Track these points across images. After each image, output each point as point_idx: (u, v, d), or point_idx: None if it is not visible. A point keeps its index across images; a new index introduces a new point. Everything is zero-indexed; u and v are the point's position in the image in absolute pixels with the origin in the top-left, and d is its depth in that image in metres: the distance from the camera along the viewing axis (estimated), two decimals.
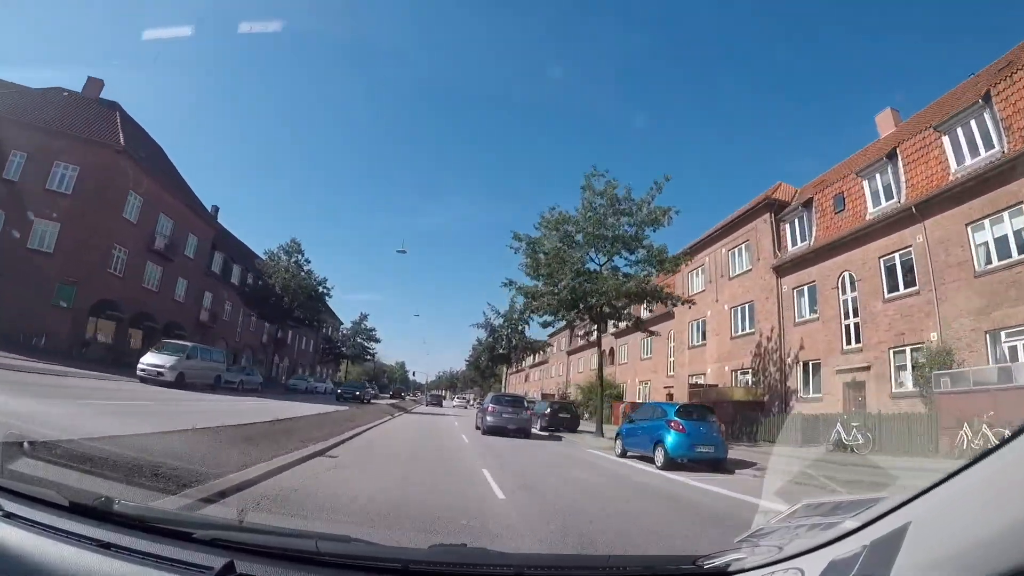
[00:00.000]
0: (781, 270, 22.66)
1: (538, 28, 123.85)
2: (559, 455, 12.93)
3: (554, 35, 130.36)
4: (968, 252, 15.93)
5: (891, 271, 18.45)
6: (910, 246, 17.80)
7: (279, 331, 39.97)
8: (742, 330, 24.37)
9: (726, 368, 24.63)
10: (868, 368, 18.64)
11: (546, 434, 20.30)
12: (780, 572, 1.22)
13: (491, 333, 40.52)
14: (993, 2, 61.95)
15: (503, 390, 52.54)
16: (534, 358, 52.19)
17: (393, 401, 37.79)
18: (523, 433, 17.45)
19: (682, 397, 27.77)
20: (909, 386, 17.26)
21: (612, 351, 40.43)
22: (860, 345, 19.09)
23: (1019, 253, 14.38)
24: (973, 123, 16.32)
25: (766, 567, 1.28)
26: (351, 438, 10.64)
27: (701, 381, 26.03)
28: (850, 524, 1.17)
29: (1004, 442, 0.87)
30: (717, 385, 24.30)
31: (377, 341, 53.93)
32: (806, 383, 20.99)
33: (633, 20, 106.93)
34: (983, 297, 15.10)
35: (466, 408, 48.71)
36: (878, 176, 19.75)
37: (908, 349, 17.53)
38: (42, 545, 1.25)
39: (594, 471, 10.20)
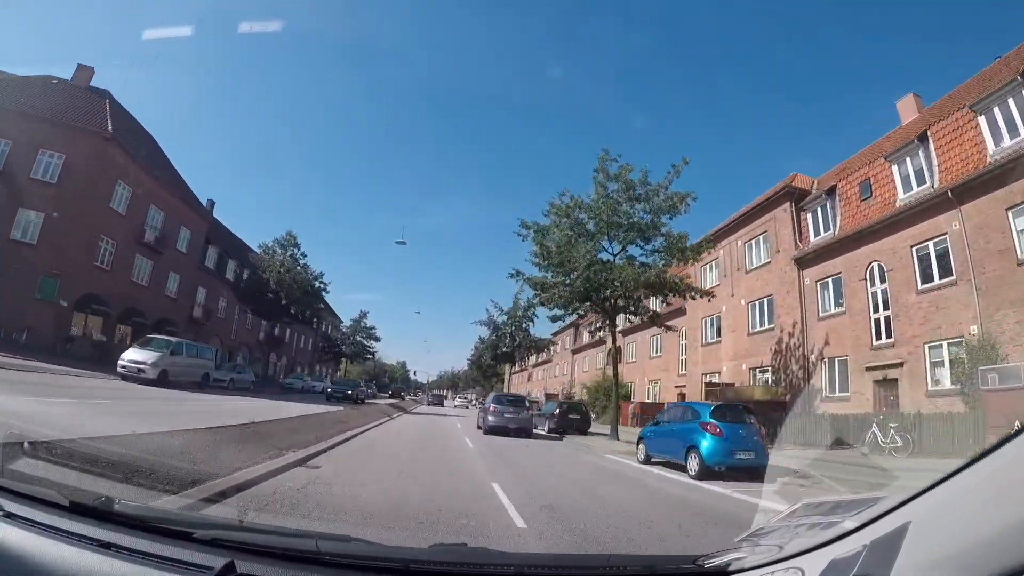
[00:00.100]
0: (803, 262, 21.41)
1: (538, 28, 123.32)
2: (576, 463, 11.60)
3: (554, 35, 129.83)
4: (1010, 239, 14.80)
5: (925, 260, 17.27)
6: (945, 233, 16.63)
7: (276, 328, 38.78)
8: (761, 326, 23.11)
9: (743, 366, 23.36)
10: (901, 365, 17.42)
11: (556, 437, 18.94)
12: (780, 571, 1.21)
13: (494, 331, 39.20)
14: (993, 2, 61.00)
15: (505, 390, 51.45)
16: (537, 357, 50.95)
17: (392, 401, 36.42)
18: (524, 433, 17.11)
19: (695, 397, 26.53)
20: (947, 383, 16.10)
21: (620, 349, 39.16)
22: (892, 340, 17.86)
23: None
24: (1011, 101, 15.18)
25: (766, 566, 1.26)
26: (338, 444, 9.34)
27: (716, 380, 24.80)
28: (850, 524, 1.16)
29: (1004, 442, 0.86)
30: (734, 384, 23.04)
31: (377, 340, 52.71)
32: (832, 381, 19.75)
33: (633, 20, 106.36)
34: None
35: (467, 408, 47.91)
36: (908, 160, 18.57)
37: (945, 344, 16.36)
38: (42, 545, 1.25)
39: (622, 484, 8.90)
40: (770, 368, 22.05)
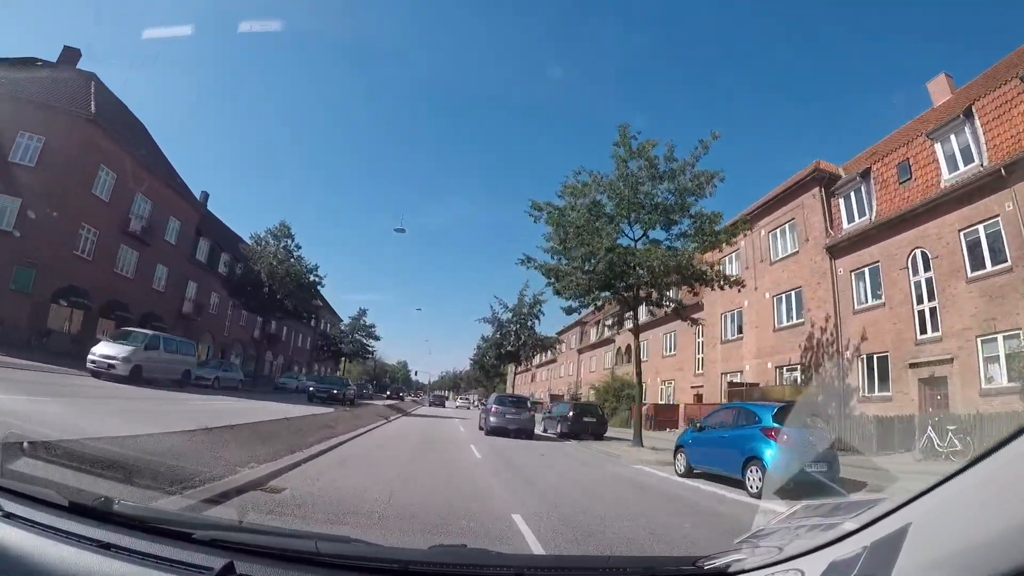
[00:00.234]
0: (836, 250, 19.79)
1: (538, 28, 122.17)
2: (607, 478, 9.65)
3: (554, 35, 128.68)
4: None
5: (974, 246, 15.74)
6: (997, 215, 15.16)
7: (270, 325, 37.10)
8: (788, 320, 21.45)
9: (769, 364, 21.70)
10: (950, 361, 15.80)
11: (570, 442, 17.16)
12: (780, 573, 1.21)
13: (498, 328, 37.47)
14: (993, 2, 59.81)
15: (508, 391, 49.93)
16: (542, 357, 49.30)
17: (391, 402, 34.62)
18: (525, 434, 16.91)
19: (713, 398, 24.90)
20: (1003, 381, 14.55)
21: (629, 348, 37.50)
22: (939, 334, 16.25)
23: None
24: None
25: (766, 568, 1.26)
26: (318, 455, 7.58)
27: (738, 379, 23.15)
28: (850, 525, 1.16)
29: (1003, 442, 0.86)
30: (758, 384, 21.39)
31: (376, 339, 50.93)
32: (871, 380, 18.09)
33: (633, 20, 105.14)
34: None
35: (469, 409, 46.92)
36: (953, 138, 17.04)
37: (1000, 337, 14.82)
38: (42, 545, 1.24)
39: (676, 509, 6.83)
40: (799, 366, 20.40)
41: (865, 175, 19.63)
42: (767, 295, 22.24)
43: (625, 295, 15.53)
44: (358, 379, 72.75)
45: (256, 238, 30.56)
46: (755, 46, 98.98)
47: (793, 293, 21.31)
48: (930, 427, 13.82)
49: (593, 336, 47.31)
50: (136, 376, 15.79)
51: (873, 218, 18.87)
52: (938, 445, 13.31)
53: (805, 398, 16.53)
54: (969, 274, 15.66)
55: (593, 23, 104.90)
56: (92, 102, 24.80)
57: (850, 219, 19.89)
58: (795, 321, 21.02)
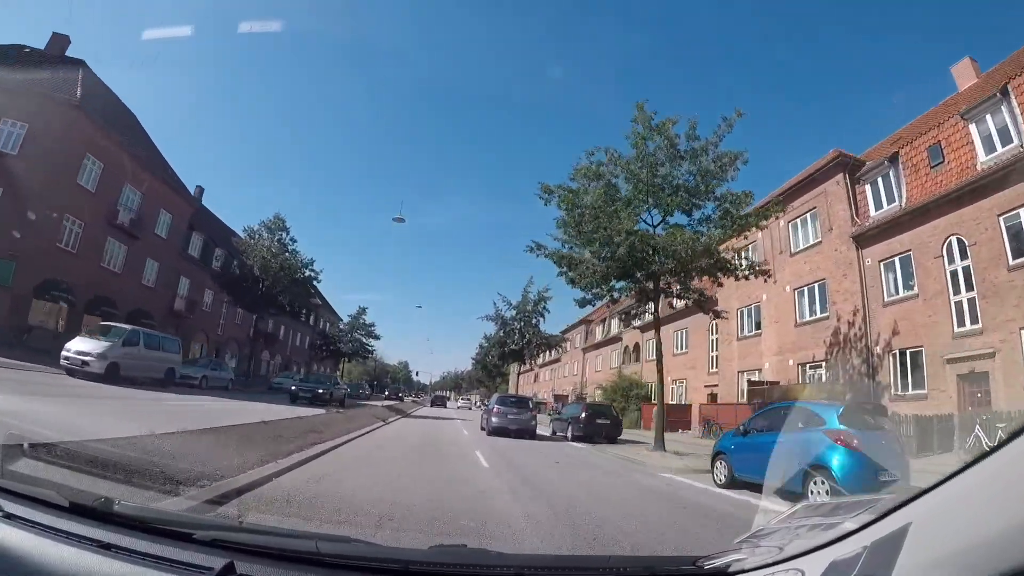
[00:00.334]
0: (863, 239, 18.61)
1: (538, 28, 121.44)
2: (637, 490, 8.10)
3: (554, 35, 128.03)
4: None
5: (1016, 231, 14.69)
6: None
7: (267, 324, 35.91)
8: (811, 315, 20.25)
9: (790, 361, 20.49)
10: (992, 355, 14.62)
11: (582, 446, 15.85)
12: (780, 572, 1.21)
13: (502, 326, 36.25)
14: (994, 2, 59.02)
15: (510, 390, 48.82)
16: (545, 356, 48.13)
17: (390, 403, 33.24)
18: (527, 434, 16.84)
19: (729, 397, 23.71)
20: None
21: (637, 346, 36.33)
22: (979, 326, 15.10)
23: None
24: None
25: (766, 567, 1.26)
26: (294, 467, 6.32)
27: (756, 378, 21.96)
28: (850, 525, 1.16)
29: (1004, 442, 0.85)
30: (779, 382, 20.20)
31: (376, 338, 49.59)
32: (903, 376, 16.89)
33: (633, 20, 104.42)
34: None
35: (470, 410, 46.10)
36: (989, 118, 15.93)
37: None
38: (42, 546, 1.24)
39: (738, 533, 5.16)
40: (824, 363, 19.20)
41: (893, 159, 18.47)
42: (788, 288, 21.05)
43: (646, 284, 14.23)
44: (359, 379, 71.92)
45: (249, 231, 29.29)
46: (755, 46, 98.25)
47: (816, 286, 20.11)
48: (978, 426, 12.68)
49: (599, 335, 46.11)
50: (112, 374, 14.59)
51: (903, 204, 17.71)
52: (987, 445, 12.11)
53: (855, 396, 15.36)
54: (1011, 261, 14.54)
55: (593, 23, 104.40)
56: (79, 88, 23.71)
57: (878, 206, 18.72)
58: (819, 315, 19.83)
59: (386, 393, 48.85)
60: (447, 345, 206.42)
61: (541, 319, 35.53)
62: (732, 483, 8.24)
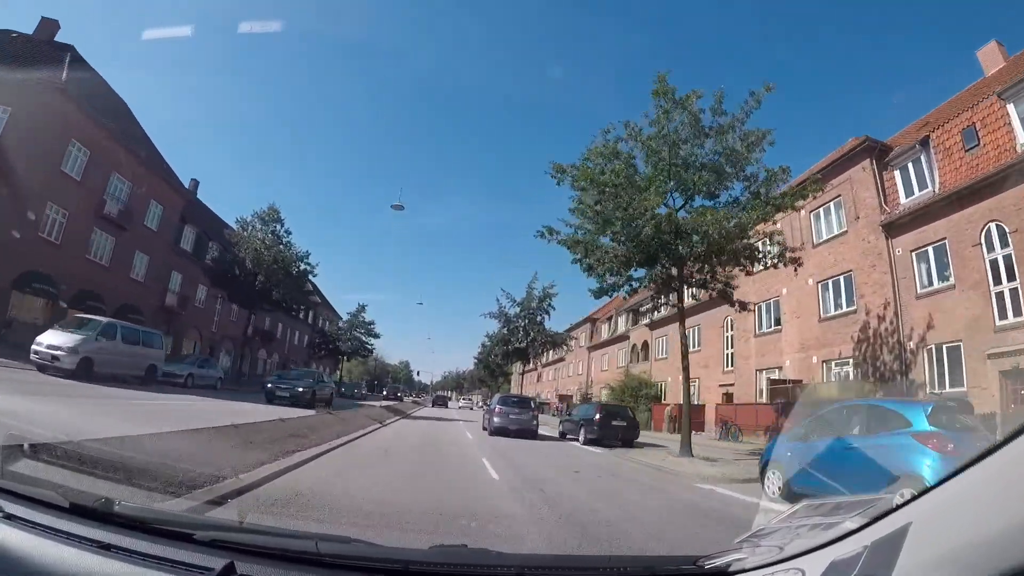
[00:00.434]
0: (893, 228, 17.45)
1: (538, 28, 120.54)
2: (682, 507, 6.88)
3: (554, 35, 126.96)
4: None
5: None
6: None
7: (264, 321, 34.73)
8: (836, 309, 19.07)
9: (814, 358, 19.31)
10: None
11: (597, 450, 14.49)
12: (781, 572, 1.20)
13: (505, 324, 35.01)
14: (994, 2, 58.19)
15: (515, 390, 47.75)
16: (550, 355, 46.98)
17: (388, 403, 31.92)
18: (528, 434, 16.89)
19: (748, 397, 22.56)
20: None
21: (646, 344, 35.16)
22: (1023, 319, 13.94)
23: None
24: None
25: (767, 567, 1.25)
26: (265, 480, 5.21)
27: (777, 376, 20.79)
28: (851, 524, 1.15)
29: (1004, 442, 0.85)
30: (801, 381, 19.04)
31: (376, 336, 48.35)
32: (939, 373, 15.72)
33: (633, 20, 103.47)
34: None
35: (472, 410, 45.30)
36: None
37: None
38: (42, 546, 1.24)
39: None
40: (851, 360, 18.02)
41: (924, 143, 17.33)
42: (810, 281, 19.87)
43: (670, 271, 12.94)
44: (359, 378, 70.79)
45: (242, 222, 28.09)
46: (755, 46, 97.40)
47: (842, 278, 18.94)
48: None
49: (605, 333, 44.96)
50: (85, 370, 13.44)
51: (937, 190, 16.56)
52: None
53: (887, 394, 14.13)
54: None
55: (593, 23, 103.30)
56: (64, 71, 22.62)
57: (908, 193, 17.57)
58: (845, 309, 18.65)
59: (384, 393, 47.54)
60: (447, 345, 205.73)
61: (546, 316, 34.33)
62: (790, 496, 6.92)
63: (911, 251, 16.95)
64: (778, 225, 14.24)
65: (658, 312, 28.07)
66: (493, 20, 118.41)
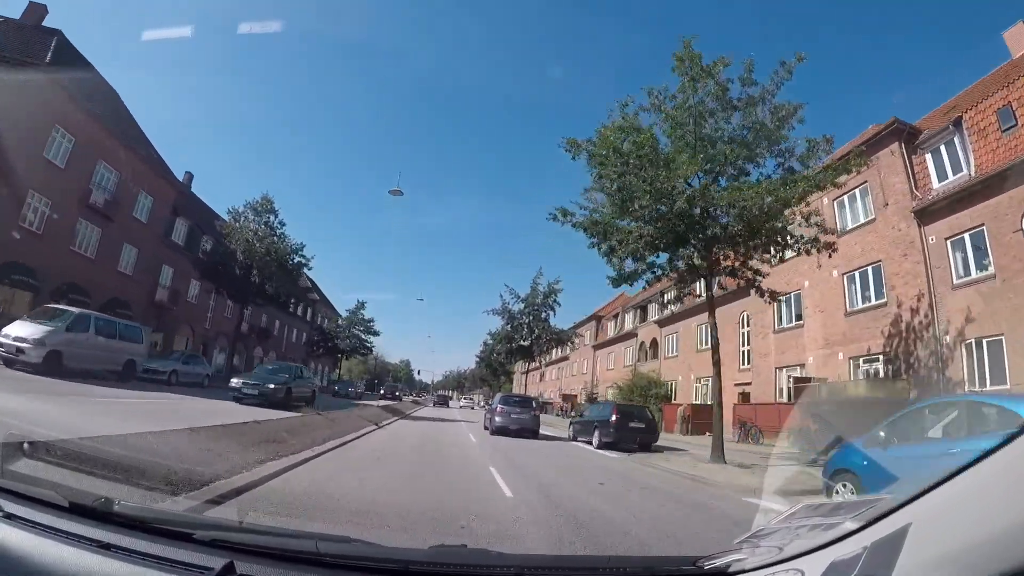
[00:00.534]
0: (925, 215, 16.34)
1: (538, 28, 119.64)
2: (741, 530, 4.81)
3: (554, 35, 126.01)
4: None
5: None
6: None
7: (260, 318, 33.57)
8: (864, 302, 17.94)
9: (840, 355, 18.16)
10: None
11: (613, 455, 13.20)
12: (780, 573, 1.19)
13: (509, 320, 33.93)
14: (994, 2, 57.22)
15: (517, 390, 46.76)
16: (553, 354, 45.88)
17: (386, 402, 30.67)
18: (530, 433, 16.87)
19: (765, 396, 21.45)
20: None
21: (655, 342, 34.04)
22: None
23: None
24: None
25: (766, 568, 1.24)
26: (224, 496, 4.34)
27: (799, 374, 19.64)
28: (851, 525, 1.14)
29: (1004, 442, 0.85)
30: (827, 379, 17.91)
31: (376, 334, 47.23)
32: (979, 370, 14.59)
33: (633, 20, 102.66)
34: None
35: (473, 409, 44.72)
36: None
37: None
38: (42, 546, 1.23)
39: None
40: (881, 356, 16.89)
41: (957, 124, 16.23)
42: (835, 273, 18.75)
43: (703, 255, 11.68)
44: (359, 377, 69.72)
45: (234, 213, 26.96)
46: (755, 46, 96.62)
47: (870, 269, 17.80)
48: None
49: (611, 331, 43.83)
50: (53, 364, 12.32)
51: (973, 173, 15.45)
52: None
53: (922, 393, 12.99)
54: None
55: (593, 23, 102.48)
56: (48, 53, 21.60)
57: (941, 177, 16.47)
58: (874, 302, 17.51)
59: (381, 392, 46.16)
60: (448, 345, 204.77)
61: (551, 313, 33.25)
62: None
63: (945, 239, 15.84)
64: (812, 206, 13.06)
65: (672, 307, 26.91)
66: (493, 20, 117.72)
